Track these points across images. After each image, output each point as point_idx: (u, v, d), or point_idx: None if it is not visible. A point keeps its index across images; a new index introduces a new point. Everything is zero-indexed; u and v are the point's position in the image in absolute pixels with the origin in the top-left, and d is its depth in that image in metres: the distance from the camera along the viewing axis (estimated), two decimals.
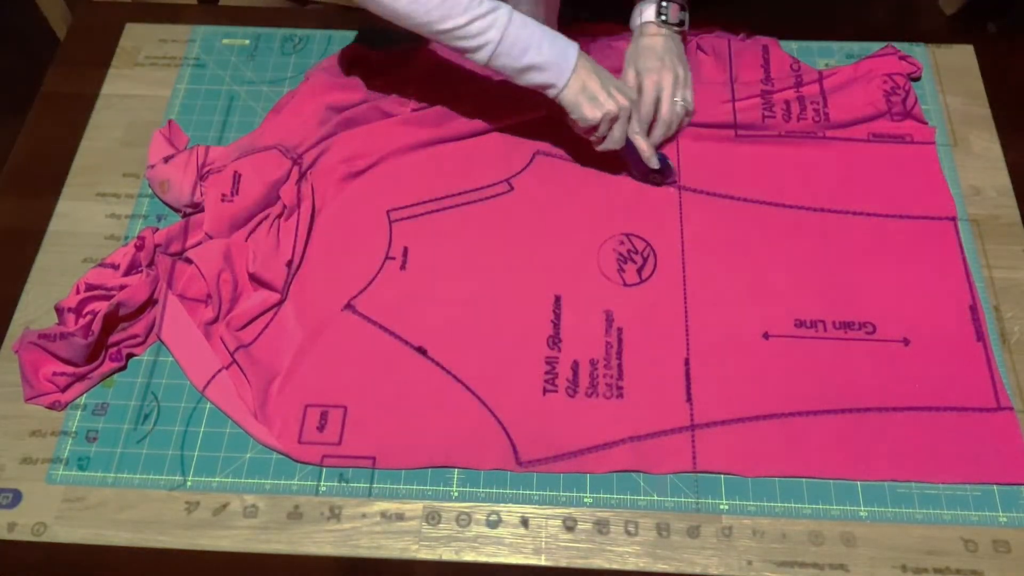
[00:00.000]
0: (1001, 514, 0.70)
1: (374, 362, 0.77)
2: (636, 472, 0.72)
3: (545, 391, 0.75)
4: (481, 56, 0.76)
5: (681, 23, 0.87)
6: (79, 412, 0.75)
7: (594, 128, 0.80)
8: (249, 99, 0.94)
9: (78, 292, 0.77)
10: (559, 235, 0.84)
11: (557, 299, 0.80)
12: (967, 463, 0.71)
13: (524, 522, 0.70)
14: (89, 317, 0.75)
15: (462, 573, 0.69)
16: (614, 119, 0.79)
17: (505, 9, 0.76)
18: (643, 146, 0.82)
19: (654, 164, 0.82)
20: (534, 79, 0.77)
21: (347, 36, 0.99)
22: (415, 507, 0.71)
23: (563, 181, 0.88)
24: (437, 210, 0.86)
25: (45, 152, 0.91)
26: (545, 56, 0.76)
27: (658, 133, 0.85)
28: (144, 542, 0.69)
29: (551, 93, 0.78)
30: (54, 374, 0.75)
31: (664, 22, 0.86)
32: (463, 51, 0.77)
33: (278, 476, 0.72)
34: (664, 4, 0.87)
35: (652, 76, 0.84)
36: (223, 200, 0.82)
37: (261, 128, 0.90)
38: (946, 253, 0.83)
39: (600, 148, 0.82)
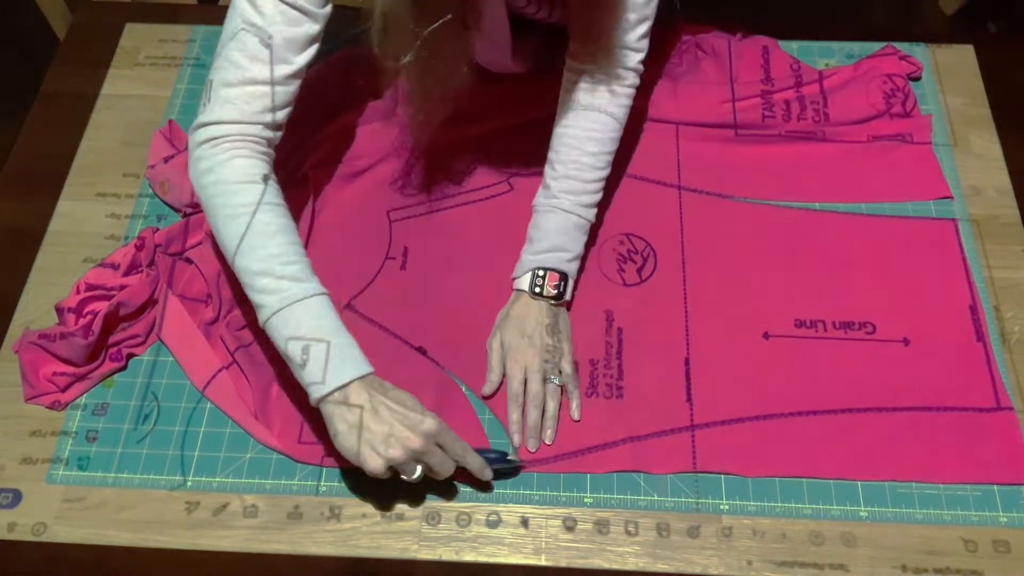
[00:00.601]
0: (1001, 514, 0.70)
1: (374, 362, 0.77)
2: (636, 472, 0.72)
3: None
4: (259, 316, 0.66)
5: (559, 296, 0.76)
6: (79, 412, 0.75)
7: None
8: None
9: (78, 292, 0.77)
10: None
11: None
12: (967, 463, 0.71)
13: (524, 522, 0.70)
14: (89, 317, 0.75)
15: (462, 573, 0.69)
16: (410, 460, 0.64)
17: (310, 286, 0.66)
18: (472, 465, 0.68)
19: (487, 476, 0.69)
20: (296, 374, 0.65)
21: (347, 36, 0.99)
22: (415, 507, 0.71)
23: None
24: (437, 210, 0.86)
25: (45, 152, 0.91)
26: (313, 359, 0.63)
27: (532, 415, 0.73)
28: (144, 542, 0.69)
29: (310, 402, 0.65)
30: (54, 374, 0.75)
31: (538, 295, 0.76)
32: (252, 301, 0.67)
33: (278, 476, 0.72)
34: (540, 274, 0.76)
35: (517, 357, 0.74)
36: None
37: None
38: (946, 253, 0.83)
39: (434, 477, 0.67)
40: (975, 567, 0.68)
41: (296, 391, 0.75)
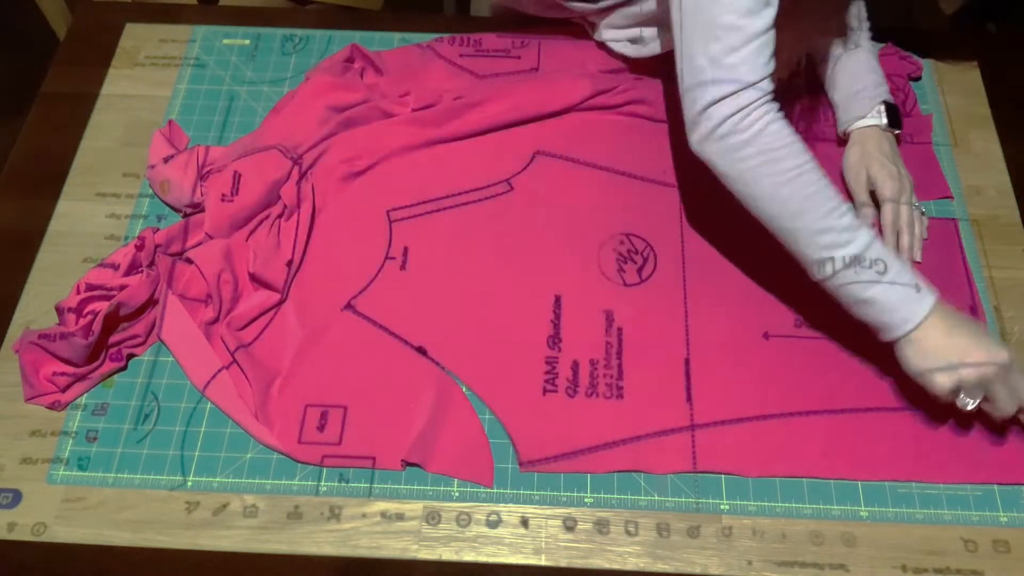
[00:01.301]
0: (1001, 514, 0.70)
1: (374, 362, 0.77)
2: (636, 472, 0.72)
3: (545, 391, 0.76)
4: (823, 272, 0.68)
5: (899, 127, 0.85)
6: (79, 412, 0.75)
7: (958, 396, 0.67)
8: (249, 99, 0.94)
9: (78, 292, 0.77)
10: (559, 235, 0.84)
11: (557, 299, 0.80)
12: (968, 463, 0.71)
13: (524, 522, 0.70)
14: (89, 317, 0.75)
15: (462, 573, 0.69)
16: (979, 386, 0.66)
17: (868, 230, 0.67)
18: None
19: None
20: (866, 314, 0.67)
21: (347, 36, 0.99)
22: (415, 507, 0.71)
23: (563, 181, 0.87)
24: (437, 210, 0.86)
25: (45, 152, 0.91)
26: (896, 296, 0.65)
27: (905, 239, 0.80)
28: (144, 542, 0.69)
29: (889, 336, 0.67)
30: (54, 374, 0.75)
31: (888, 126, 0.83)
32: (804, 261, 0.69)
33: (278, 476, 0.72)
34: (891, 106, 0.84)
35: (889, 185, 0.80)
36: (223, 200, 0.82)
37: (261, 128, 0.90)
38: (946, 253, 0.83)
39: (993, 413, 0.68)
40: (975, 567, 0.68)
41: (296, 390, 0.75)
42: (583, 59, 0.95)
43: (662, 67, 0.94)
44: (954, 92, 0.94)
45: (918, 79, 0.94)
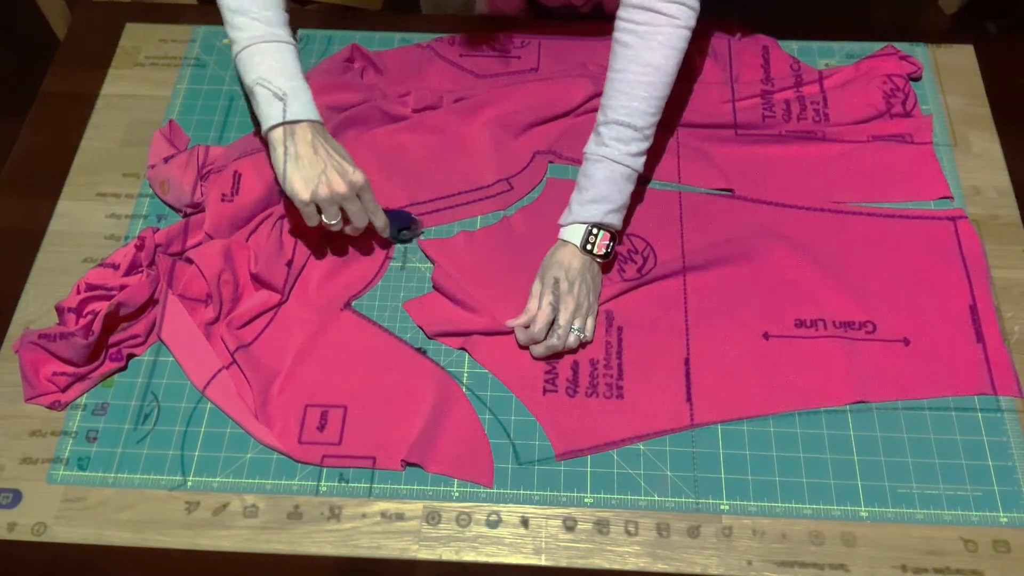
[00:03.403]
0: (1001, 514, 0.70)
1: (374, 362, 0.77)
2: (636, 472, 0.72)
3: (545, 391, 0.76)
4: (232, 49, 0.77)
5: (606, 256, 0.78)
6: (79, 412, 0.75)
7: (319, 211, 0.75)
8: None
9: (78, 292, 0.77)
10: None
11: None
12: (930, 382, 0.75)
13: (524, 522, 0.70)
14: (89, 317, 0.75)
15: (462, 573, 0.69)
16: (334, 202, 0.74)
17: (280, 32, 0.76)
18: (378, 224, 0.78)
19: (385, 234, 0.80)
20: (254, 106, 0.76)
21: (347, 36, 0.99)
22: (415, 507, 0.71)
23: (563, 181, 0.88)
24: (437, 210, 0.86)
25: (45, 152, 0.91)
26: (272, 89, 0.73)
27: (538, 351, 0.76)
28: (144, 542, 0.69)
29: (262, 131, 0.75)
30: (54, 374, 0.75)
31: (588, 251, 0.77)
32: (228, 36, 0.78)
33: (278, 476, 0.72)
34: (595, 232, 0.77)
35: (551, 298, 0.76)
36: (223, 200, 0.82)
37: None
38: (946, 253, 0.83)
39: (345, 230, 0.77)
40: (975, 567, 0.68)
41: (296, 390, 0.75)
42: (583, 59, 0.95)
43: None
44: (954, 92, 0.94)
45: (918, 79, 0.94)
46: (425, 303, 0.80)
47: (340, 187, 0.73)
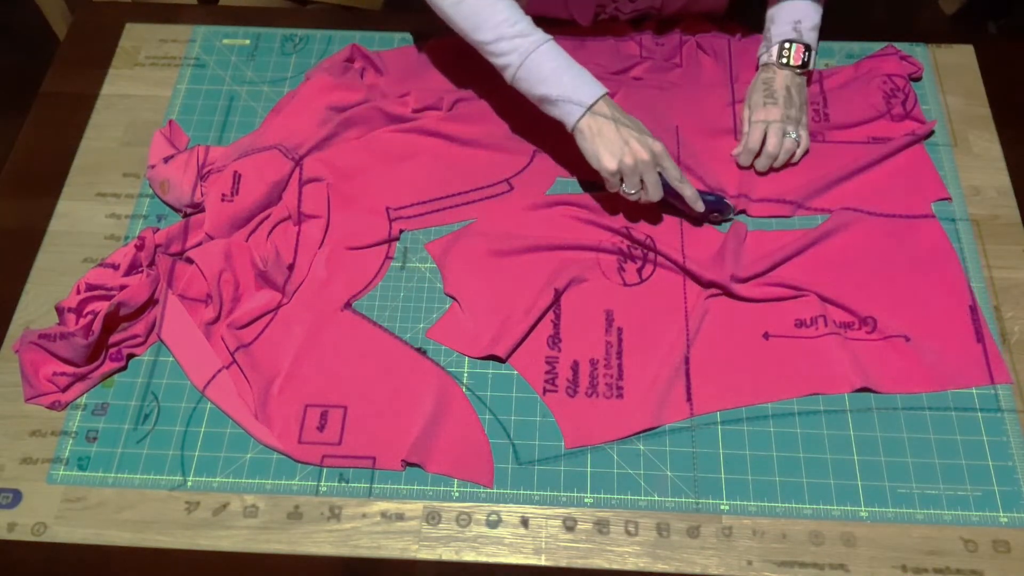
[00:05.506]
0: (1001, 514, 0.70)
1: (374, 362, 0.77)
2: (636, 472, 0.72)
3: (545, 391, 0.76)
4: (505, 76, 0.81)
5: (804, 65, 0.86)
6: (79, 412, 0.75)
7: (621, 181, 0.79)
8: (249, 99, 0.94)
9: (78, 292, 0.77)
10: (559, 235, 0.84)
11: (557, 294, 0.80)
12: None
13: (524, 522, 0.70)
14: (89, 317, 0.75)
15: (462, 573, 0.69)
16: (636, 171, 0.78)
17: (536, 37, 0.79)
18: (687, 192, 0.80)
19: (699, 208, 0.81)
20: (550, 111, 0.80)
21: (347, 36, 0.99)
22: (415, 507, 0.71)
23: (563, 181, 0.87)
24: (437, 210, 0.86)
25: (45, 152, 0.91)
26: (561, 91, 0.77)
27: (761, 163, 0.86)
28: (144, 542, 0.69)
29: (568, 128, 0.79)
30: (54, 374, 0.75)
31: (784, 64, 0.86)
32: (496, 67, 0.81)
33: (278, 476, 0.72)
34: (787, 46, 0.86)
35: (760, 112, 0.86)
36: (223, 200, 0.82)
37: (262, 128, 0.90)
38: (946, 253, 0.83)
39: (641, 200, 0.80)
40: (975, 567, 0.68)
41: (296, 390, 0.75)
42: (583, 59, 0.95)
43: (663, 71, 0.95)
44: (954, 92, 0.94)
45: (918, 79, 0.94)
46: (447, 326, 0.79)
47: (643, 155, 0.77)
